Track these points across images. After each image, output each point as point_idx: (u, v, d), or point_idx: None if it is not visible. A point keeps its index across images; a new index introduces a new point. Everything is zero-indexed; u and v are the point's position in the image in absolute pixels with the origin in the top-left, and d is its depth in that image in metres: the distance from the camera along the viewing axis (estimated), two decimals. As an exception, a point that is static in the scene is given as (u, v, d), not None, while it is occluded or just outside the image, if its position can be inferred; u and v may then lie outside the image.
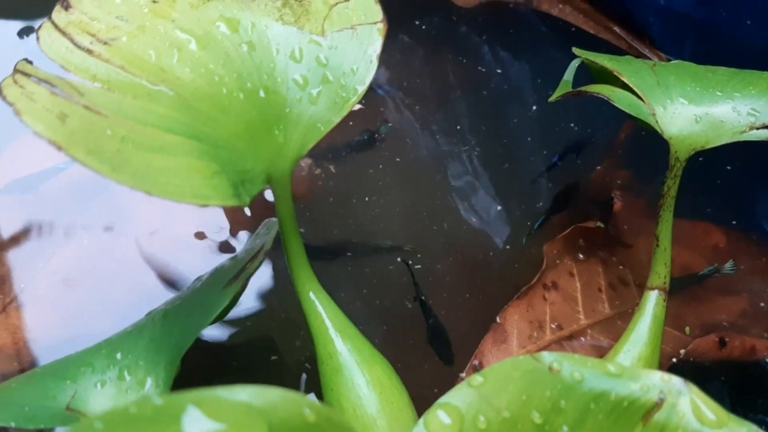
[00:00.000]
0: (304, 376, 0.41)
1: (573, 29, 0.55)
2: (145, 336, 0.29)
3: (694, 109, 0.35)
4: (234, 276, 0.29)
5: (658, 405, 0.25)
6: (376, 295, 0.43)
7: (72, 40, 0.28)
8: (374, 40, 0.31)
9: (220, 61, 0.30)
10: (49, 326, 0.42)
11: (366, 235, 0.45)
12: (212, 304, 0.28)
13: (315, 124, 0.31)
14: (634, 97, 0.35)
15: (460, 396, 0.26)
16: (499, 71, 0.55)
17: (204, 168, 0.26)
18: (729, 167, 0.47)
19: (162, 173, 0.25)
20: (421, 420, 0.26)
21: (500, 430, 0.25)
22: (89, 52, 0.28)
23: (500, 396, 0.26)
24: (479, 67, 0.55)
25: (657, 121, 0.35)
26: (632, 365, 0.33)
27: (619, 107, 0.35)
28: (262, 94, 0.30)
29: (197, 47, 0.29)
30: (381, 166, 0.48)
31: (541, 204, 0.47)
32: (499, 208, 0.47)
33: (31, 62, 0.27)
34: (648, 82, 0.36)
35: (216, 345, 0.41)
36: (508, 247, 0.45)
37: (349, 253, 0.44)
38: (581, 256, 0.44)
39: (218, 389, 0.18)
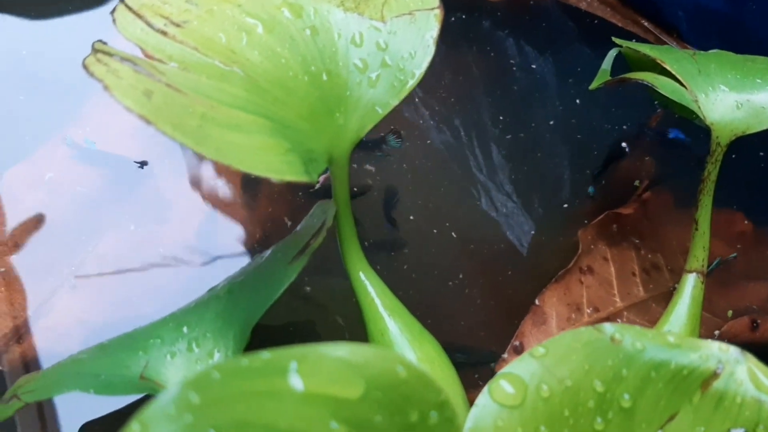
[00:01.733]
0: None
1: (599, 23, 0.56)
2: (212, 310, 0.30)
3: (735, 95, 0.36)
4: (299, 251, 0.30)
5: (716, 374, 0.26)
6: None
7: (147, 22, 0.29)
8: (431, 26, 0.32)
9: (286, 44, 0.31)
10: (97, 309, 0.43)
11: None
12: (280, 278, 0.29)
13: (373, 106, 0.32)
14: (677, 84, 0.36)
15: (522, 366, 0.27)
16: (523, 66, 0.55)
17: (277, 146, 0.27)
18: (761, 154, 0.49)
19: (240, 149, 0.26)
20: (485, 389, 0.27)
21: (563, 398, 0.27)
22: (164, 33, 0.29)
23: (562, 366, 0.27)
24: (503, 62, 0.56)
25: (699, 108, 0.36)
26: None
27: (663, 93, 0.36)
28: (324, 77, 0.31)
29: (264, 31, 0.30)
30: (403, 164, 0.49)
31: (567, 196, 0.48)
32: (521, 200, 0.48)
33: (105, 43, 0.28)
34: (689, 70, 0.37)
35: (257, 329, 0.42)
36: (530, 240, 0.46)
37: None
38: (615, 241, 0.45)
39: (318, 346, 0.19)
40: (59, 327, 0.43)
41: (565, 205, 0.48)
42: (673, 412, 0.26)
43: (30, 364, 0.40)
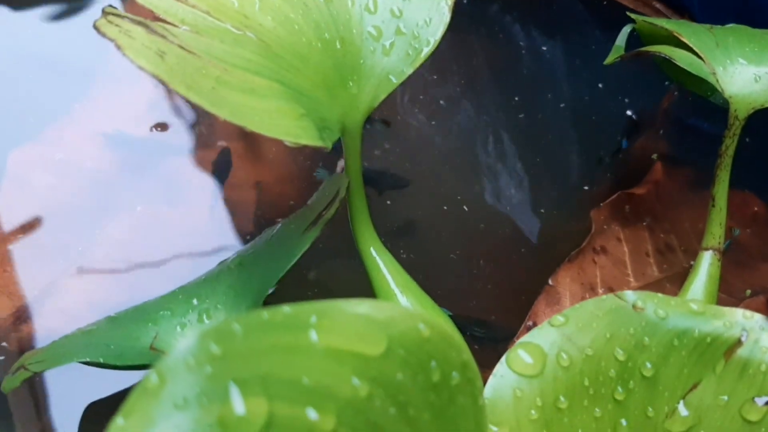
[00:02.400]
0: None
1: (609, 5, 0.55)
2: (223, 282, 0.30)
3: (753, 69, 0.35)
4: (312, 222, 0.29)
5: (740, 342, 0.26)
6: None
7: (158, -15, 0.28)
8: (447, -7, 0.31)
9: (299, 10, 0.30)
10: (107, 291, 0.43)
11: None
12: (292, 248, 0.28)
13: (387, 75, 0.31)
14: (695, 57, 0.36)
15: (542, 335, 0.27)
16: (532, 50, 0.55)
17: (292, 111, 0.27)
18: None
19: (256, 112, 0.25)
20: (503, 359, 0.27)
21: (583, 367, 0.26)
22: (175, -3, 0.28)
23: (583, 334, 0.26)
24: (511, 47, 0.55)
25: (717, 81, 0.35)
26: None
27: (681, 65, 0.35)
28: (338, 44, 0.31)
29: (277, -4, 0.30)
30: (406, 148, 0.49)
31: (578, 178, 0.47)
32: (533, 185, 0.47)
33: (115, 7, 0.28)
34: (707, 44, 0.36)
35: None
36: (544, 222, 0.46)
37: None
38: (628, 221, 0.44)
39: (339, 301, 0.19)
40: (68, 309, 0.42)
41: (579, 187, 0.47)
42: (696, 380, 0.26)
43: (37, 344, 0.40)
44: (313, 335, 0.18)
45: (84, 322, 0.41)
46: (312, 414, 0.17)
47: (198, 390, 0.16)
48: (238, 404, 0.17)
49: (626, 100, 0.51)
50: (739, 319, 0.26)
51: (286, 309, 0.18)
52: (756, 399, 0.25)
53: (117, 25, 0.25)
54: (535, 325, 0.40)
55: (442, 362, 0.20)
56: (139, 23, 0.26)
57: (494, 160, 0.49)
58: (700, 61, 0.36)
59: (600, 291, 0.41)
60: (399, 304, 0.20)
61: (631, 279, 0.42)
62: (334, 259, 0.44)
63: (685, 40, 0.36)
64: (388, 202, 0.46)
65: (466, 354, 0.21)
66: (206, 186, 0.47)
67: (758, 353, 0.25)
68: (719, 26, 0.39)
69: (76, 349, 0.29)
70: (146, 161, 0.48)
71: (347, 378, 0.18)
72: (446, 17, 0.31)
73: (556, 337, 0.26)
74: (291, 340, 0.18)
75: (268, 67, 0.28)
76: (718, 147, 0.37)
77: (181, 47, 0.25)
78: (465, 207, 0.46)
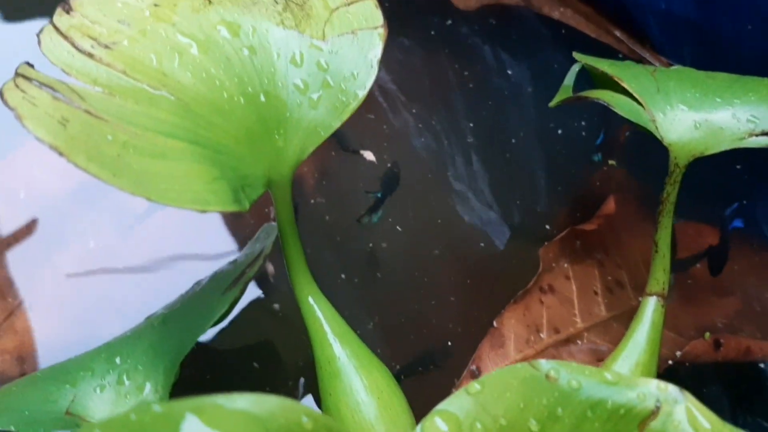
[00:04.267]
0: (302, 379, 0.41)
1: (574, 32, 0.55)
2: (144, 340, 0.30)
3: (693, 115, 0.35)
4: (234, 281, 0.29)
5: (654, 413, 0.25)
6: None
7: (73, 44, 0.28)
8: (375, 45, 0.31)
9: (221, 65, 0.30)
10: (56, 328, 0.42)
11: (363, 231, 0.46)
12: (211, 309, 0.28)
13: (315, 128, 0.31)
14: (635, 103, 0.35)
15: (457, 403, 0.26)
16: (499, 73, 0.55)
17: (204, 173, 0.26)
18: (730, 170, 0.48)
19: (163, 179, 0.25)
20: (419, 427, 0.26)
21: (497, 437, 0.26)
22: (90, 56, 0.28)
23: (497, 403, 0.26)
24: (479, 70, 0.55)
25: (657, 128, 0.35)
26: (630, 372, 0.34)
27: (620, 113, 0.35)
28: (262, 98, 0.30)
29: (198, 51, 0.29)
30: (379, 171, 0.48)
31: (540, 206, 0.47)
32: (497, 209, 0.47)
33: (32, 65, 0.27)
34: (648, 88, 0.36)
35: (212, 349, 0.41)
36: (505, 249, 0.46)
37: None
38: (577, 258, 0.44)
39: (216, 397, 0.19)
40: (16, 349, 0.42)
41: (541, 212, 0.47)
42: (610, 452, 0.25)
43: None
44: (185, 434, 0.18)
45: (32, 363, 0.41)
46: None
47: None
48: None
49: (589, 127, 0.51)
50: (653, 390, 0.25)
51: (156, 408, 0.18)
52: (669, 472, 0.25)
53: (23, 90, 0.25)
54: (478, 369, 0.40)
55: (327, 453, 0.20)
56: (48, 86, 0.25)
57: (463, 184, 0.49)
58: (639, 107, 0.35)
59: (545, 333, 0.41)
60: (281, 398, 0.19)
61: (578, 319, 0.41)
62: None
63: (625, 85, 0.36)
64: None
65: (355, 443, 0.20)
66: (166, 215, 0.46)
67: (671, 426, 0.25)
68: (663, 69, 0.38)
69: (-9, 414, 0.29)
70: (99, 190, 0.47)
71: (219, 479, 0.18)
72: (374, 70, 0.31)
73: (471, 405, 0.26)
74: (158, 442, 0.17)
75: (183, 127, 0.27)
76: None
77: (88, 112, 0.25)
78: (431, 228, 0.46)
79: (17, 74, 0.26)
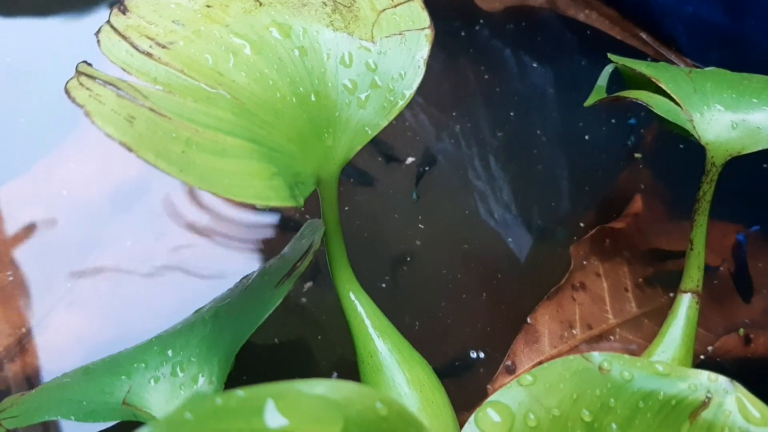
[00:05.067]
0: (335, 374, 0.41)
1: (599, 35, 0.55)
2: (197, 334, 0.30)
3: (730, 115, 0.36)
4: (285, 275, 0.30)
5: (705, 403, 0.26)
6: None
7: (132, 44, 0.29)
8: (422, 46, 0.32)
9: (274, 65, 0.30)
10: (93, 326, 0.43)
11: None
12: (265, 302, 0.29)
13: (363, 127, 0.31)
14: (672, 104, 0.36)
15: (510, 395, 0.27)
16: (522, 77, 0.55)
17: (263, 170, 0.27)
18: (757, 169, 0.48)
19: (225, 175, 0.26)
20: (472, 418, 0.27)
21: (550, 428, 0.26)
22: (149, 55, 0.28)
23: (551, 395, 0.26)
24: (501, 72, 0.55)
25: (694, 127, 0.35)
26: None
27: (657, 113, 0.35)
28: (313, 98, 0.31)
29: (251, 52, 0.30)
30: (400, 175, 0.49)
31: (568, 207, 0.48)
32: (522, 211, 0.48)
33: (90, 64, 0.28)
34: (685, 89, 0.36)
35: (244, 346, 0.41)
36: (532, 249, 0.46)
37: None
38: (607, 256, 0.44)
39: (296, 383, 0.19)
40: (56, 345, 0.42)
41: (568, 212, 0.47)
42: (661, 442, 0.26)
43: (28, 382, 0.40)
44: (269, 419, 0.18)
45: (71, 359, 0.42)
46: (263, 501, 0.18)
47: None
48: (189, 495, 0.17)
49: (614, 130, 0.51)
50: (704, 381, 0.26)
51: (239, 393, 0.18)
52: (720, 462, 0.25)
53: (87, 89, 0.26)
54: (513, 364, 0.40)
55: (399, 439, 0.20)
56: (111, 84, 0.26)
57: (484, 188, 0.49)
58: (677, 107, 0.36)
59: (578, 329, 0.41)
60: (357, 384, 0.20)
61: (610, 316, 0.42)
62: (324, 285, 0.44)
63: (662, 86, 0.36)
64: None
65: (425, 430, 0.21)
66: (197, 219, 0.47)
67: (722, 416, 0.26)
68: (698, 70, 0.39)
69: (49, 405, 0.29)
70: (136, 193, 0.48)
71: (301, 462, 0.18)
72: (421, 70, 0.31)
73: (524, 396, 0.26)
74: (244, 425, 0.18)
75: (241, 125, 0.28)
76: (700, 178, 0.37)
77: (152, 110, 0.26)
78: (459, 232, 0.46)
79: (78, 72, 0.27)
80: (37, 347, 0.42)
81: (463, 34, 0.57)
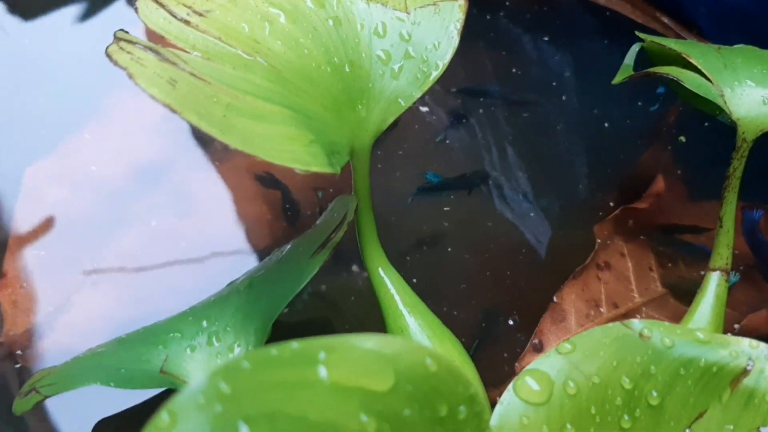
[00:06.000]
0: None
1: (618, 19, 0.55)
2: (232, 304, 0.30)
3: (761, 91, 0.35)
4: (321, 245, 0.30)
5: (746, 371, 0.26)
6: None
7: (170, 11, 0.29)
8: (456, 16, 0.31)
9: (309, 35, 0.30)
10: (120, 305, 0.43)
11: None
12: (301, 271, 0.29)
13: (396, 98, 0.31)
14: (703, 79, 0.36)
15: (548, 363, 0.27)
16: (540, 62, 0.55)
17: (301, 136, 0.27)
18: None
19: (265, 139, 0.26)
20: (510, 386, 0.27)
21: (590, 395, 0.26)
22: (186, 23, 0.28)
23: (590, 362, 0.26)
24: (520, 58, 0.55)
25: (726, 102, 0.35)
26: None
27: (688, 87, 0.35)
28: (347, 68, 0.31)
29: (286, 21, 0.30)
30: (415, 160, 0.49)
31: (590, 189, 0.48)
32: (536, 198, 0.48)
33: (127, 31, 0.28)
34: (715, 65, 0.36)
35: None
36: (551, 233, 0.46)
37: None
38: (630, 236, 0.44)
39: (348, 336, 0.19)
40: (82, 323, 0.42)
41: (587, 200, 0.47)
42: (701, 409, 0.26)
43: (53, 360, 0.40)
44: (322, 371, 0.18)
45: (96, 337, 0.42)
46: (319, 450, 0.18)
47: (208, 429, 0.16)
48: (248, 442, 0.17)
49: (634, 113, 0.51)
50: (745, 348, 0.26)
51: (294, 345, 0.18)
52: (761, 429, 0.25)
53: (128, 52, 0.26)
54: (540, 343, 0.40)
55: (449, 396, 0.20)
56: (151, 49, 0.26)
57: (499, 175, 0.49)
58: (707, 82, 0.36)
59: (604, 308, 0.41)
60: (407, 338, 0.20)
61: (636, 294, 0.42)
62: (343, 273, 0.44)
63: (693, 61, 0.36)
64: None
65: (474, 388, 0.21)
66: (220, 199, 0.47)
67: (764, 383, 0.25)
68: (727, 47, 0.39)
69: (86, 372, 0.29)
70: (160, 173, 0.48)
71: (355, 414, 0.18)
72: (455, 41, 0.31)
73: (563, 364, 0.26)
74: (299, 376, 0.18)
75: (277, 93, 0.28)
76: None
77: (193, 74, 0.26)
78: (477, 217, 0.46)
79: (117, 38, 0.27)
80: (64, 325, 0.42)
81: (481, 20, 0.57)
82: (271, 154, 0.25)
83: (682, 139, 0.49)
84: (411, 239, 0.45)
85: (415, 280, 0.43)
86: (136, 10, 0.29)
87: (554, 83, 0.53)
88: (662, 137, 0.50)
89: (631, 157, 0.50)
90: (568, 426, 0.26)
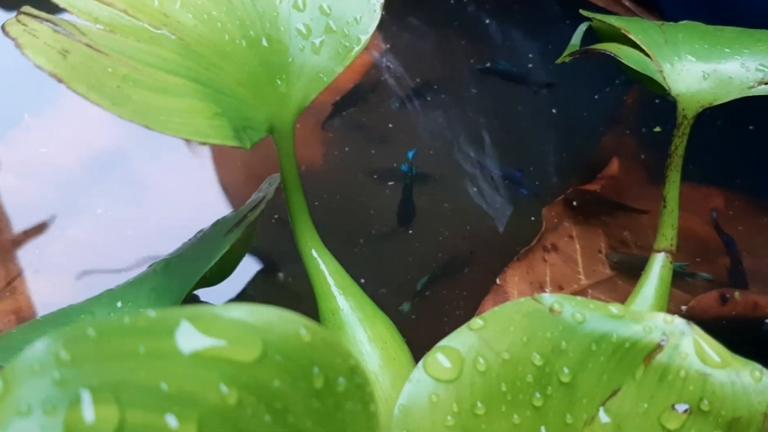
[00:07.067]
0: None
1: (582, 3, 0.54)
2: (147, 285, 0.29)
3: (702, 65, 0.35)
4: (235, 224, 0.29)
5: (660, 346, 0.25)
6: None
7: (75, -16, 0.28)
8: (378, -10, 0.31)
9: (223, 8, 0.30)
10: (64, 293, 0.42)
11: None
12: (213, 250, 0.28)
13: (318, 74, 0.31)
14: (642, 55, 0.35)
15: (460, 339, 0.26)
16: (507, 49, 0.54)
17: (205, 109, 0.26)
18: (741, 132, 0.47)
19: (163, 111, 0.25)
20: (420, 363, 0.26)
21: (500, 372, 0.25)
22: (92, -5, 0.28)
23: (501, 338, 0.25)
24: (488, 46, 0.55)
25: (664, 78, 0.34)
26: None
27: (627, 63, 0.34)
28: (264, 42, 0.30)
29: (200, -6, 0.29)
30: (392, 148, 0.48)
31: (549, 173, 0.47)
32: (502, 178, 0.47)
33: (32, 8, 0.27)
34: (656, 40, 0.35)
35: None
36: (514, 219, 0.45)
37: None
38: (581, 218, 0.43)
39: (213, 306, 0.18)
40: (21, 310, 0.42)
41: (549, 178, 0.46)
42: (615, 387, 0.25)
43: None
44: (180, 340, 0.18)
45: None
46: (171, 421, 0.17)
47: (43, 396, 0.16)
48: (88, 411, 0.16)
49: (598, 97, 0.50)
50: (659, 323, 0.25)
51: (150, 313, 0.18)
52: (675, 406, 0.24)
53: (24, 24, 0.25)
54: (484, 327, 0.39)
55: (325, 368, 0.20)
56: (48, 21, 0.25)
57: (473, 162, 0.48)
58: (647, 58, 0.35)
59: (548, 289, 0.40)
60: (279, 309, 0.19)
61: (582, 277, 0.41)
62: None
63: (632, 37, 0.35)
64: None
65: (353, 360, 0.20)
66: (173, 185, 0.47)
67: (678, 359, 0.25)
68: (671, 23, 0.38)
69: (-10, 352, 0.29)
70: (112, 161, 0.48)
71: (214, 385, 0.18)
72: (377, 14, 0.31)
73: (474, 340, 0.26)
74: (152, 345, 0.17)
75: (185, 66, 0.27)
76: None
77: (89, 46, 0.25)
78: (446, 202, 0.46)
79: (20, 13, 0.26)
80: (1, 312, 0.41)
81: (448, 10, 0.56)
82: (165, 126, 0.24)
83: (658, 129, 0.48)
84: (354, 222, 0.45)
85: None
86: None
87: (518, 70, 0.53)
88: (622, 121, 0.50)
89: (592, 142, 0.49)
90: (479, 404, 0.25)
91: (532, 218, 0.44)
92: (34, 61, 0.23)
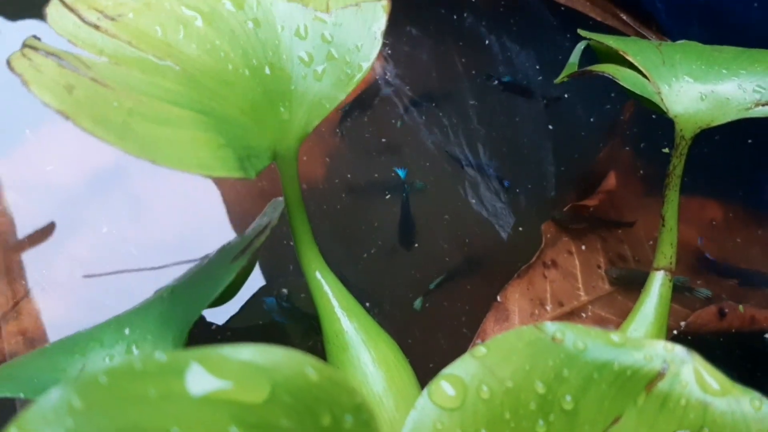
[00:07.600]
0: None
1: (580, 17, 0.55)
2: (153, 311, 0.30)
3: (699, 87, 0.35)
4: (240, 251, 0.29)
5: (661, 374, 0.25)
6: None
7: (79, 16, 0.28)
8: (378, 17, 0.31)
9: (226, 37, 0.30)
10: (68, 312, 0.43)
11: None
12: (219, 278, 0.28)
13: (320, 101, 0.31)
14: (639, 76, 0.35)
15: (463, 367, 0.26)
16: (506, 62, 0.55)
17: (210, 141, 0.27)
18: (740, 145, 0.48)
19: (168, 144, 0.25)
20: (425, 391, 0.26)
21: (503, 400, 0.26)
22: (96, 27, 0.28)
23: (504, 366, 0.26)
24: (486, 58, 0.55)
25: (662, 100, 0.35)
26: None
27: (624, 85, 0.35)
28: (267, 70, 0.30)
29: (203, 23, 0.30)
30: (391, 160, 0.49)
31: (547, 187, 0.47)
32: (507, 196, 0.47)
33: (39, 38, 0.28)
34: (653, 61, 0.36)
35: (224, 329, 0.41)
36: (513, 233, 0.46)
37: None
38: (579, 233, 0.44)
39: (222, 347, 0.19)
40: (29, 330, 0.42)
41: (547, 192, 0.47)
42: (617, 414, 0.25)
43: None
44: (190, 383, 0.18)
45: (44, 344, 0.41)
46: (183, 465, 0.17)
47: (58, 445, 0.16)
48: (101, 458, 0.16)
49: (595, 111, 0.51)
50: (660, 351, 0.25)
51: (161, 357, 0.18)
52: (676, 433, 0.25)
53: (29, 59, 0.25)
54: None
55: (332, 406, 0.20)
56: (53, 55, 0.26)
57: (473, 173, 0.49)
58: (645, 80, 0.35)
59: (549, 306, 0.41)
60: (286, 349, 0.19)
61: (582, 293, 0.41)
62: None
63: (630, 58, 0.36)
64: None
65: (359, 397, 0.20)
66: (174, 203, 0.47)
67: (678, 386, 0.25)
68: (668, 43, 0.38)
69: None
70: (114, 177, 0.48)
71: (223, 427, 0.18)
72: (378, 42, 0.31)
73: (477, 368, 0.26)
74: (163, 389, 0.18)
75: (189, 97, 0.28)
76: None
77: (94, 80, 0.25)
78: (447, 214, 0.46)
79: (24, 45, 0.27)
80: (9, 334, 0.42)
81: (446, 22, 0.57)
82: (170, 160, 0.25)
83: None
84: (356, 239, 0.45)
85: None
86: (45, 15, 0.28)
87: (516, 82, 0.53)
88: (619, 135, 0.50)
89: (589, 156, 0.50)
90: (483, 431, 0.25)
91: (530, 229, 0.45)
92: (41, 98, 0.24)
